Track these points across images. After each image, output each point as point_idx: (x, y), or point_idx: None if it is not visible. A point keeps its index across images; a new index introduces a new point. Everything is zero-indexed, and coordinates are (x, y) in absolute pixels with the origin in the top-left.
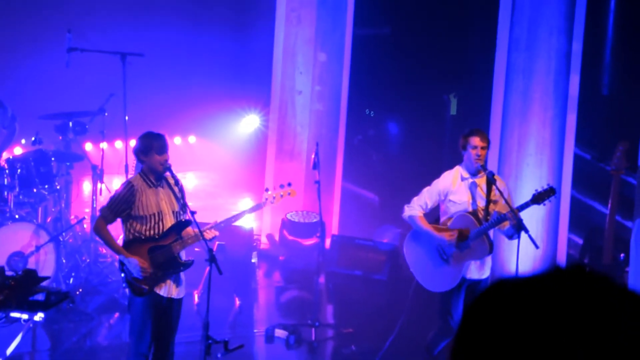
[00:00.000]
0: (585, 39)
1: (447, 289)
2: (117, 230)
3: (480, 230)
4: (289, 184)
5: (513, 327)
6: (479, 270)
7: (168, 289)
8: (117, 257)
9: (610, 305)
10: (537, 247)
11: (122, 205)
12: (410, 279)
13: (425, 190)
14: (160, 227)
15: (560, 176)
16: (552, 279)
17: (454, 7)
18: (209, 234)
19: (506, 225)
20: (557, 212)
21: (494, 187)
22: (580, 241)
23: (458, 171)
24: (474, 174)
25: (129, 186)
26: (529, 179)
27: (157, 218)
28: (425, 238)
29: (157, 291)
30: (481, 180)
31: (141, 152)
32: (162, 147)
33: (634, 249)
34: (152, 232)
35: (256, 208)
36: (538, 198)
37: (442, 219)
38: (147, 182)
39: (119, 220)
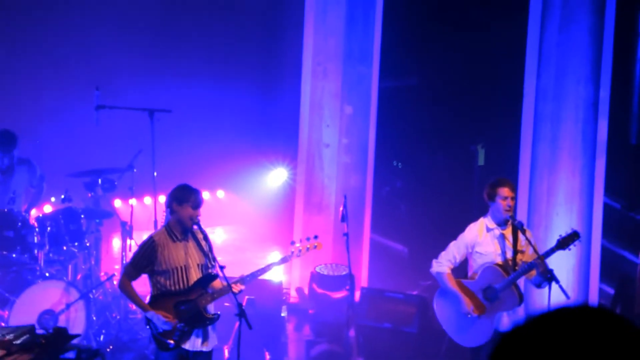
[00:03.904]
0: (612, 88)
1: (481, 343)
2: (146, 287)
3: (508, 280)
4: (315, 237)
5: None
6: (512, 322)
7: (194, 343)
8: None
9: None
10: (568, 297)
11: (143, 262)
12: (441, 331)
13: (452, 244)
14: (185, 281)
15: (591, 226)
16: (578, 316)
17: (480, 57)
18: (235, 288)
19: (533, 274)
20: (587, 262)
21: (520, 237)
22: (611, 291)
23: (483, 223)
24: (500, 224)
25: (149, 242)
26: (559, 229)
27: (181, 272)
28: (453, 296)
29: (183, 345)
30: (508, 232)
31: (176, 201)
32: (198, 203)
33: None
34: (177, 286)
35: (283, 261)
36: (563, 243)
37: (470, 272)
38: (172, 236)
39: (146, 276)
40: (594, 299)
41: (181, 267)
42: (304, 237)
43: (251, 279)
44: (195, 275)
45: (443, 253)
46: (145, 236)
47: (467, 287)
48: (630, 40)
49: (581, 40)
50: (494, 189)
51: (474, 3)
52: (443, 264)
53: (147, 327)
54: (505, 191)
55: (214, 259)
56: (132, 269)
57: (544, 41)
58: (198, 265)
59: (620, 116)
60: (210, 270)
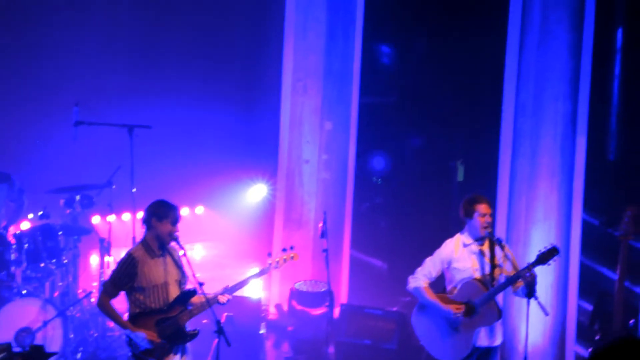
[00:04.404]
0: (590, 105)
1: (460, 358)
2: (123, 304)
3: (487, 295)
4: (292, 247)
5: None
6: (489, 337)
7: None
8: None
9: None
10: (546, 313)
11: (124, 279)
12: (420, 347)
13: (428, 260)
14: (164, 298)
15: (569, 242)
16: None
17: (460, 73)
18: (222, 299)
19: (519, 285)
20: (566, 278)
21: (497, 252)
22: (589, 307)
23: (459, 239)
24: (477, 239)
25: (129, 258)
26: (538, 244)
27: (161, 289)
28: (433, 308)
29: None
30: (485, 247)
31: (155, 217)
32: (177, 218)
33: None
34: (157, 303)
35: (261, 273)
36: (542, 258)
37: (448, 287)
38: (149, 252)
39: (122, 293)
40: (572, 315)
41: (161, 285)
42: (280, 249)
43: (234, 290)
44: (174, 291)
45: (419, 269)
46: (123, 254)
47: (448, 298)
48: (609, 56)
49: (560, 57)
50: (472, 206)
51: (453, 20)
52: (419, 278)
53: (128, 346)
54: (483, 208)
55: (193, 275)
56: (112, 287)
57: (523, 57)
58: (176, 281)
59: (599, 132)
60: (183, 286)
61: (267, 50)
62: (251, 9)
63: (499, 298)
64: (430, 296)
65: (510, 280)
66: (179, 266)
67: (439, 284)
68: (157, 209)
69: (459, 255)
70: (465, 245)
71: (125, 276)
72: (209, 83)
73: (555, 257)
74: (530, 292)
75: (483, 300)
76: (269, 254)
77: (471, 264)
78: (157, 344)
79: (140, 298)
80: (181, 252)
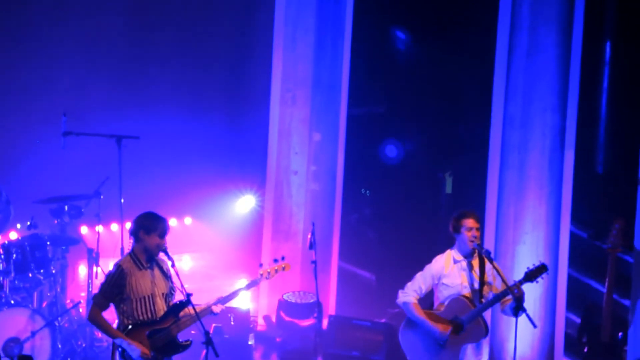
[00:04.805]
0: (579, 117)
1: None
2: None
3: (475, 312)
4: (283, 258)
5: None
6: (475, 355)
7: None
8: (113, 341)
9: None
10: (535, 326)
11: (113, 289)
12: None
13: (419, 275)
14: (152, 310)
15: (557, 254)
16: None
17: (448, 86)
18: (216, 309)
19: (507, 303)
20: (554, 291)
21: (487, 269)
22: (577, 320)
23: (450, 255)
24: (467, 255)
25: (118, 269)
26: (526, 257)
27: (148, 301)
28: (420, 325)
29: None
30: (475, 262)
31: (143, 230)
32: (165, 231)
33: (632, 328)
34: (145, 315)
35: (253, 284)
36: (531, 275)
37: (436, 303)
38: (137, 264)
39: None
40: (560, 327)
41: (148, 297)
42: (272, 260)
43: (227, 300)
44: (160, 304)
45: (409, 283)
46: (111, 264)
47: (435, 315)
48: (597, 69)
49: (548, 69)
50: (459, 221)
51: (442, 31)
52: (409, 294)
53: (121, 357)
54: (469, 222)
55: (178, 288)
56: (102, 299)
57: (512, 69)
58: (163, 294)
59: (587, 145)
60: (170, 299)
61: (256, 60)
62: (239, 20)
63: (487, 315)
64: (419, 313)
65: (498, 297)
66: (167, 278)
67: (426, 299)
68: (145, 221)
69: (449, 271)
70: (455, 262)
71: (115, 287)
72: (197, 94)
73: (543, 275)
74: (518, 307)
75: (470, 317)
76: (261, 265)
77: (460, 280)
78: (149, 356)
79: (129, 310)
80: (169, 263)
